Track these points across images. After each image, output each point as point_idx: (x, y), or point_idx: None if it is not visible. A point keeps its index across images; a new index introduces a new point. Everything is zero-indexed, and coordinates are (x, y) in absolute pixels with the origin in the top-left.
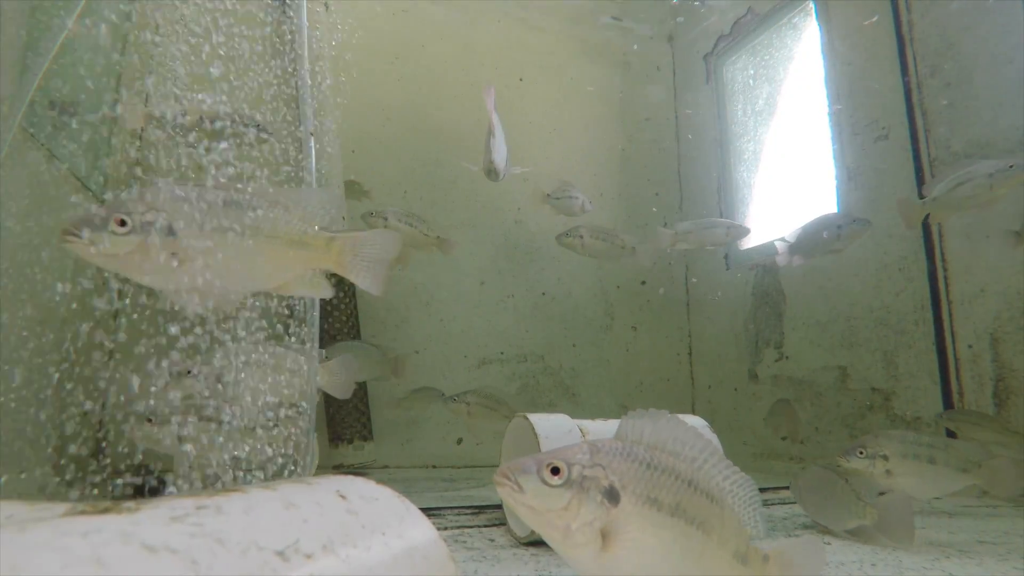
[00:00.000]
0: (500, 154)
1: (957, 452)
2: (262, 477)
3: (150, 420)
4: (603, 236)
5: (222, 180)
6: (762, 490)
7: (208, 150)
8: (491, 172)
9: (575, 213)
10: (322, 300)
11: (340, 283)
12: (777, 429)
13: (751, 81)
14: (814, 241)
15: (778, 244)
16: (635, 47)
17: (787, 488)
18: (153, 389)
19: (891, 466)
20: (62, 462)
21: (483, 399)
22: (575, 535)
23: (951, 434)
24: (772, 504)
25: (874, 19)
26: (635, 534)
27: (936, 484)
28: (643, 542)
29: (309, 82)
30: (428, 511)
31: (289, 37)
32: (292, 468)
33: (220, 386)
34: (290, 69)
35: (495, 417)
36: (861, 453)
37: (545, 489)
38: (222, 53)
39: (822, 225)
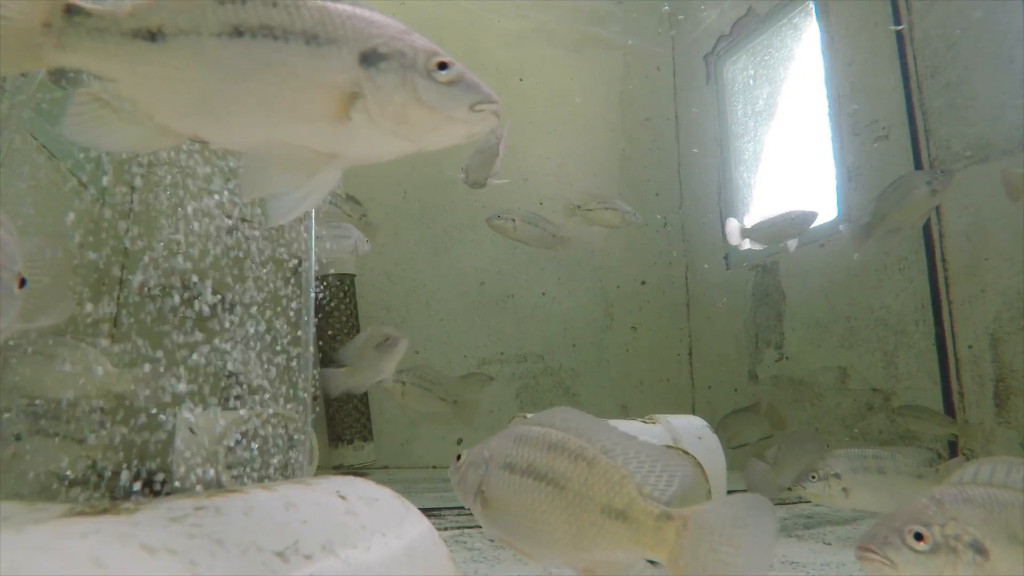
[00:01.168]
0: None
1: (907, 459)
2: None
3: None
4: (535, 222)
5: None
6: None
7: None
8: (476, 185)
9: (615, 225)
10: (322, 300)
11: (340, 283)
12: (732, 438)
13: (751, 81)
14: (904, 207)
15: (843, 228)
16: (636, 47)
17: (787, 489)
18: None
19: (845, 483)
20: None
21: (418, 379)
22: (466, 498)
23: (952, 447)
24: None
25: (901, 27)
26: (495, 492)
27: (895, 495)
28: (501, 497)
29: None
30: (428, 512)
31: None
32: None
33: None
34: None
35: (430, 398)
36: (814, 477)
37: (453, 467)
38: None
39: (906, 187)
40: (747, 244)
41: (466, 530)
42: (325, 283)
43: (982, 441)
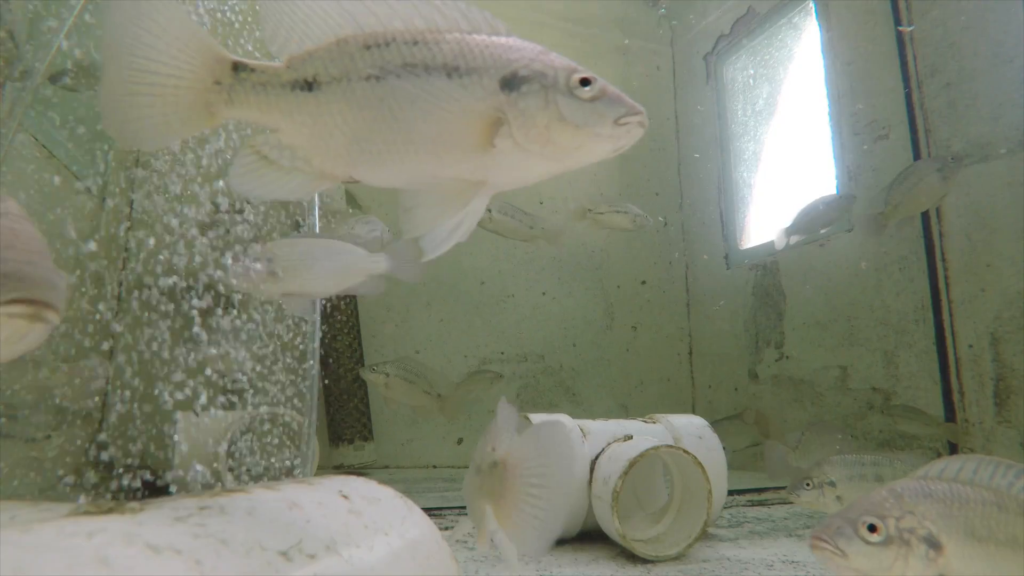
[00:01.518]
0: None
1: (905, 465)
2: None
3: None
4: (511, 213)
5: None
6: (762, 490)
7: None
8: None
9: (627, 228)
10: (322, 299)
11: None
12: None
13: (751, 81)
14: (916, 195)
15: (858, 219)
16: (635, 47)
17: (786, 488)
18: None
19: (840, 491)
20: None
21: (402, 371)
22: None
23: (953, 448)
24: (772, 504)
25: (911, 28)
26: None
27: None
28: None
29: None
30: (429, 511)
31: None
32: None
33: None
34: None
35: (413, 391)
36: (808, 485)
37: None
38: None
39: (918, 175)
40: (794, 240)
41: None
42: None
43: (982, 440)
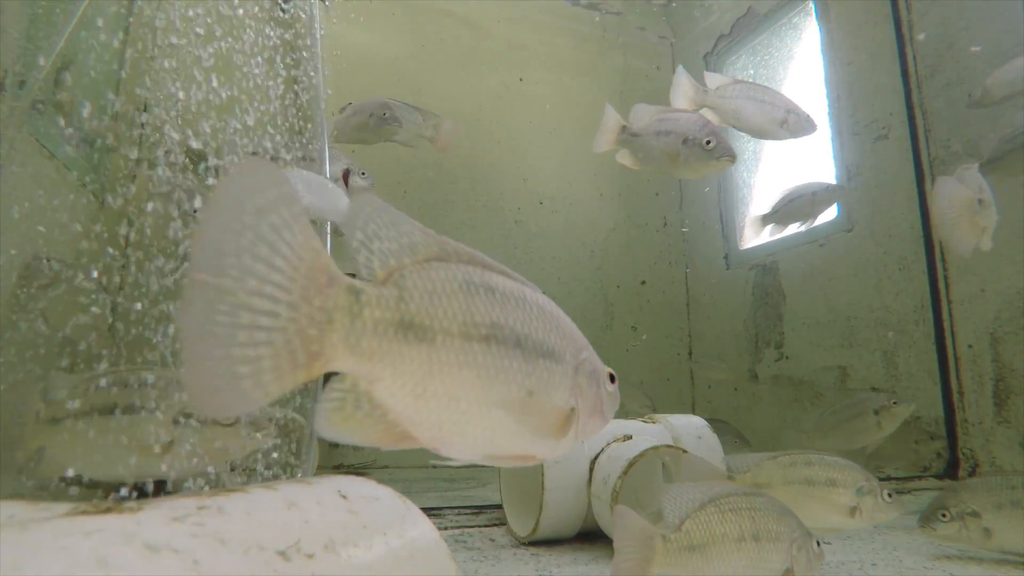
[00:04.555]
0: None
1: None
2: None
3: None
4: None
5: None
6: None
7: None
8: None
9: (806, 217)
10: None
11: None
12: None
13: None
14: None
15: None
16: (635, 47)
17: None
18: None
19: (987, 522)
20: None
21: None
22: None
23: (952, 448)
24: None
25: (977, 48)
26: None
27: None
28: None
29: (323, 83)
30: (428, 511)
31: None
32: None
33: None
34: (300, 67)
35: None
36: (944, 516)
37: None
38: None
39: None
40: (767, 234)
41: (466, 529)
42: None
43: (981, 441)
